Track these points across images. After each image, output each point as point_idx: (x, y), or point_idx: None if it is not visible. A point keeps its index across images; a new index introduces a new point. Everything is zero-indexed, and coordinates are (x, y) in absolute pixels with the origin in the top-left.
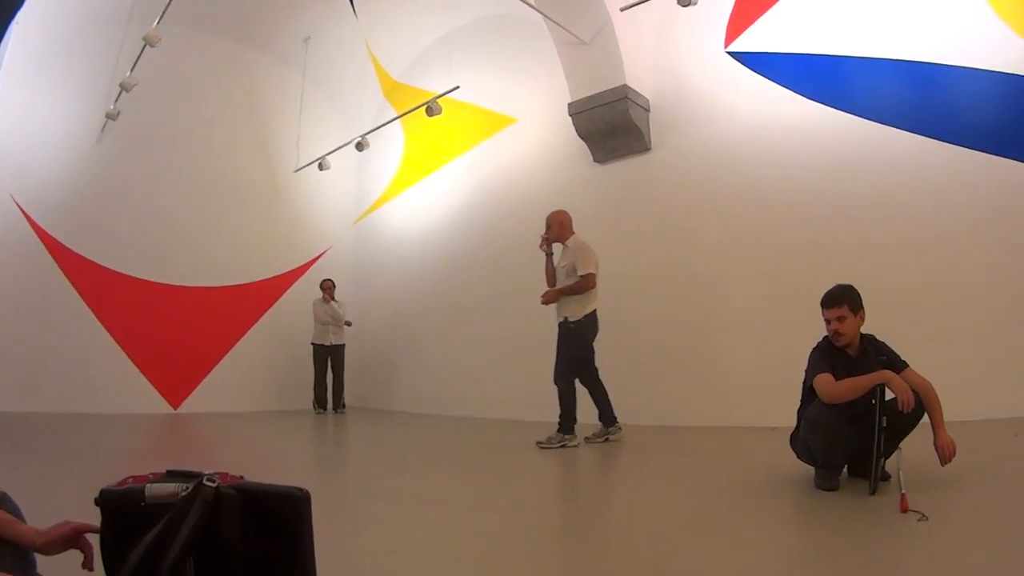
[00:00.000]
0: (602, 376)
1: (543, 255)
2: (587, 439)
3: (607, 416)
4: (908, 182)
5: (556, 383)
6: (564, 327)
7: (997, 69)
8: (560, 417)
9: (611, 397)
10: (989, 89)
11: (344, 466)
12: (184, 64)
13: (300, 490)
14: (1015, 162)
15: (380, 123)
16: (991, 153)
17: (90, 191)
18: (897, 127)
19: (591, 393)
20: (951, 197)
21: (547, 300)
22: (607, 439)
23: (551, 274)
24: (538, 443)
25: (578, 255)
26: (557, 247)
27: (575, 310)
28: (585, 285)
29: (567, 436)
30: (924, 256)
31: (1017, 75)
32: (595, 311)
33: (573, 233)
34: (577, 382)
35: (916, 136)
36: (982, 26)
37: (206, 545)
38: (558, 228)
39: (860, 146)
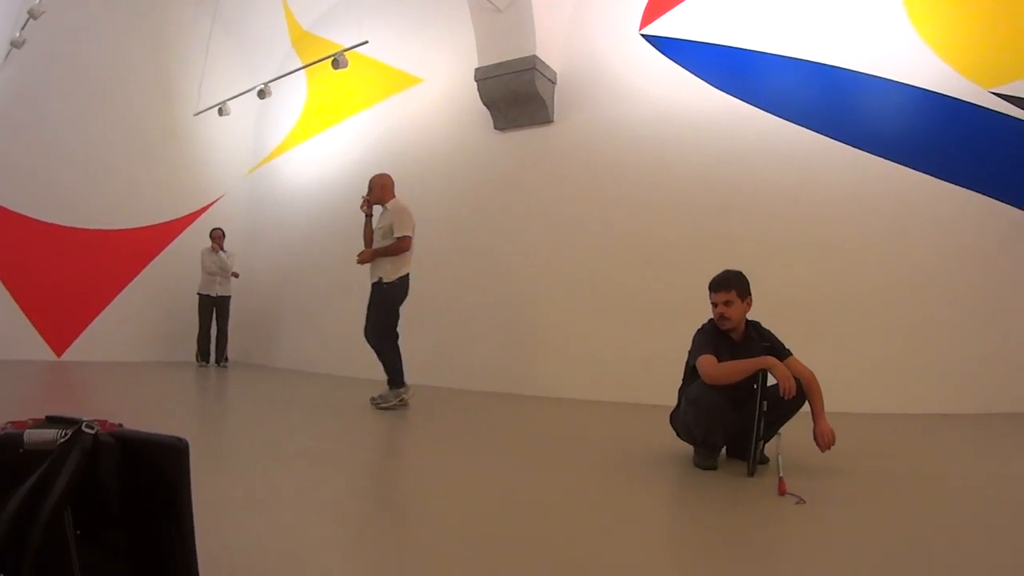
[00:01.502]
0: (481, 341)
1: (449, 215)
2: (372, 400)
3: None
4: (807, 179)
5: (374, 345)
6: (378, 287)
7: (911, 83)
8: (388, 376)
9: (491, 363)
10: (900, 101)
11: (222, 419)
12: None
13: (179, 440)
14: (917, 173)
15: (285, 71)
16: (895, 161)
17: None
18: (804, 126)
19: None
20: (848, 198)
21: (362, 260)
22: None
23: (369, 235)
24: (372, 402)
25: (396, 217)
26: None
27: (389, 272)
28: (401, 247)
29: (400, 389)
30: (815, 251)
31: (930, 91)
32: (408, 274)
33: (394, 196)
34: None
35: (820, 136)
36: (901, 42)
37: (84, 494)
38: (379, 190)
39: (764, 140)
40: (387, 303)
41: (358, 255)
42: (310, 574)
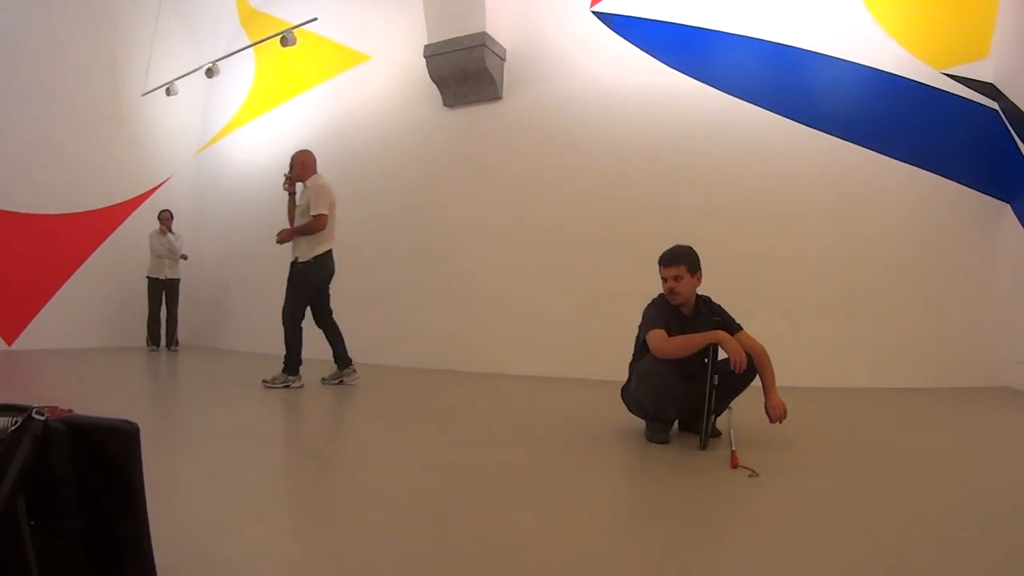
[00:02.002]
0: (432, 320)
1: (397, 192)
2: (323, 380)
3: (342, 358)
4: (760, 158)
5: (283, 323)
6: (293, 267)
7: (865, 63)
8: (285, 357)
9: (440, 340)
10: (854, 81)
11: (173, 402)
12: None
13: (129, 423)
14: (870, 152)
15: (233, 50)
16: (848, 141)
17: None
18: (757, 105)
19: (325, 335)
20: (801, 177)
21: (281, 239)
22: (341, 381)
23: (292, 213)
24: (263, 381)
25: (313, 195)
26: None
27: (305, 251)
28: (316, 225)
29: (291, 377)
30: (768, 230)
31: (883, 72)
32: (329, 251)
33: (315, 173)
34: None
35: (773, 115)
36: (855, 22)
37: (37, 482)
38: (300, 168)
39: (716, 119)
40: (299, 283)
41: (277, 234)
42: (262, 552)
